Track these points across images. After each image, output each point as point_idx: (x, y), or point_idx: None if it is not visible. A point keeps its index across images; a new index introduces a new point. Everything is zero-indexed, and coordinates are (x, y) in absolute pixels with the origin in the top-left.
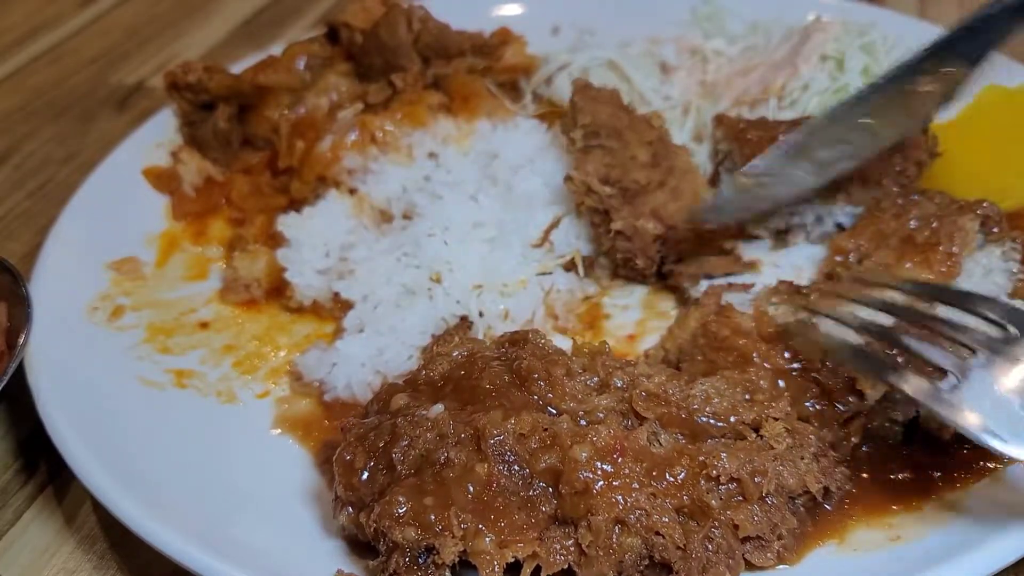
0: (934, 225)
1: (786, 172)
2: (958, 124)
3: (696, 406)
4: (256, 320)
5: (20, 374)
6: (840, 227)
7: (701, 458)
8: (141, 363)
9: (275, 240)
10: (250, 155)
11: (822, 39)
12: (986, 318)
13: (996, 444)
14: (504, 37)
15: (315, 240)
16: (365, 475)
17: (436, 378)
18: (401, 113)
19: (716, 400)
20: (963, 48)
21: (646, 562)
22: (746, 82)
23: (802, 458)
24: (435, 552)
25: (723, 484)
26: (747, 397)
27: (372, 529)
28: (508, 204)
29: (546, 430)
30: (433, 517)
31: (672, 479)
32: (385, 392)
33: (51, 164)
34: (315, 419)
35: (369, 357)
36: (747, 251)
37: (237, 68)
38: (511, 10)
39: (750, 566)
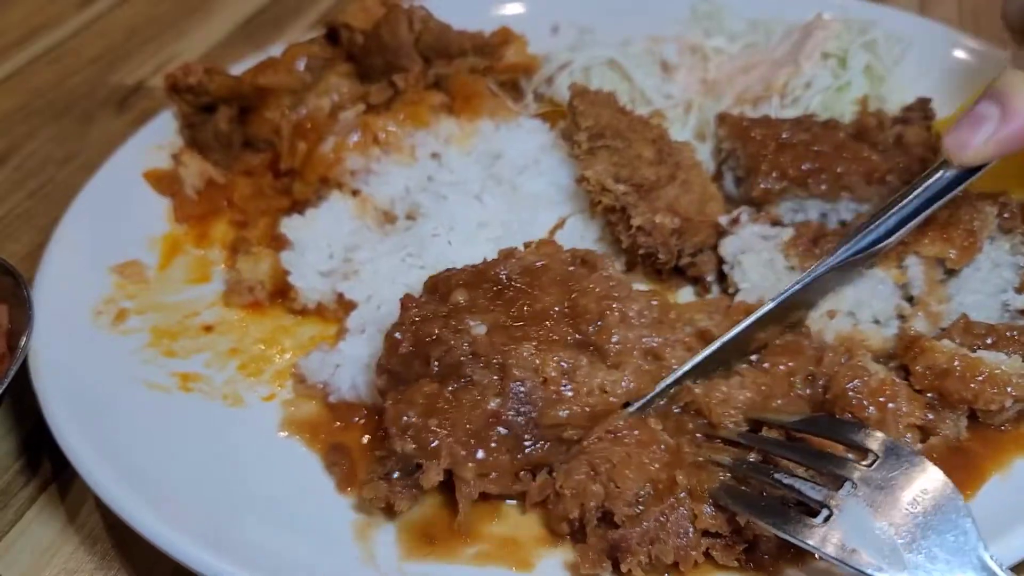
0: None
1: None
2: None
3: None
4: (260, 323)
5: (21, 375)
6: (843, 224)
7: (688, 448)
8: (146, 366)
9: (278, 242)
10: (251, 157)
11: (823, 36)
12: (852, 444)
13: (876, 572)
14: (505, 37)
15: (319, 242)
16: (405, 353)
17: (502, 278)
18: (404, 113)
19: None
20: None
21: (601, 513)
22: (747, 80)
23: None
24: (422, 471)
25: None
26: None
27: (384, 424)
28: (513, 204)
29: (567, 375)
30: (431, 439)
31: (656, 452)
32: (451, 278)
33: (51, 164)
34: (322, 421)
35: (371, 357)
36: None
37: (237, 68)
38: (511, 9)
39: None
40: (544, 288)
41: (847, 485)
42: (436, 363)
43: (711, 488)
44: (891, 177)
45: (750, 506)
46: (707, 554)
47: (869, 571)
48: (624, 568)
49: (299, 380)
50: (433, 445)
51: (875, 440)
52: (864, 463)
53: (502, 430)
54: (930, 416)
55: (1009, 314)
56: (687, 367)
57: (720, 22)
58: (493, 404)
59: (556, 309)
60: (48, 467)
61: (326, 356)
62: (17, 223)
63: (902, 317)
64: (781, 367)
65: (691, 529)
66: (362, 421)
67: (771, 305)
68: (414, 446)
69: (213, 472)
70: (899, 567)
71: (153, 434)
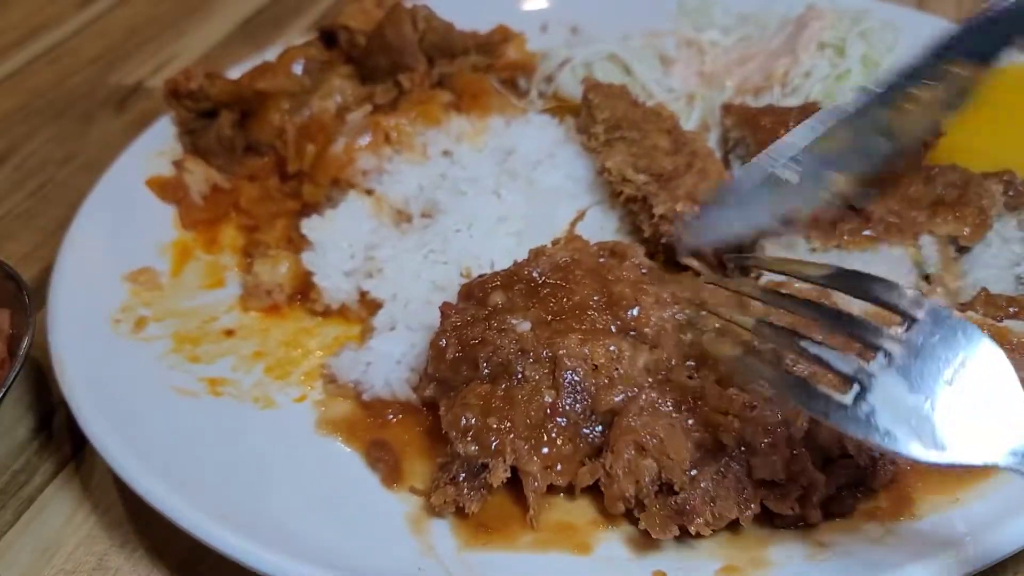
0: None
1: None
2: None
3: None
4: (280, 326)
5: (20, 376)
6: (852, 207)
7: (732, 389)
8: (173, 372)
9: (294, 244)
10: (254, 161)
11: (819, 27)
12: (886, 304)
13: (911, 451)
14: (504, 34)
15: (339, 242)
16: (452, 359)
17: (536, 277)
18: (414, 112)
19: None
20: (970, 47)
21: (658, 485)
22: (744, 72)
23: None
24: (488, 470)
25: (749, 427)
26: None
27: (444, 430)
28: (531, 198)
29: (615, 360)
30: (492, 439)
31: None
32: (486, 283)
33: (50, 164)
34: (357, 419)
35: (403, 354)
36: None
37: (237, 69)
38: (506, 8)
39: (773, 515)
40: (578, 281)
41: (880, 355)
42: (485, 364)
43: (728, 367)
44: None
45: (773, 381)
46: (762, 505)
47: (903, 452)
48: (693, 530)
49: (330, 380)
50: (495, 444)
51: (914, 302)
52: (901, 329)
53: (560, 420)
54: None
55: None
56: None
57: (709, 16)
58: (548, 397)
59: (594, 299)
60: (46, 468)
61: (356, 355)
62: (17, 223)
63: (921, 294)
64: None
65: (747, 482)
66: (399, 417)
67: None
68: (476, 447)
69: (261, 475)
70: (937, 448)
71: (193, 439)
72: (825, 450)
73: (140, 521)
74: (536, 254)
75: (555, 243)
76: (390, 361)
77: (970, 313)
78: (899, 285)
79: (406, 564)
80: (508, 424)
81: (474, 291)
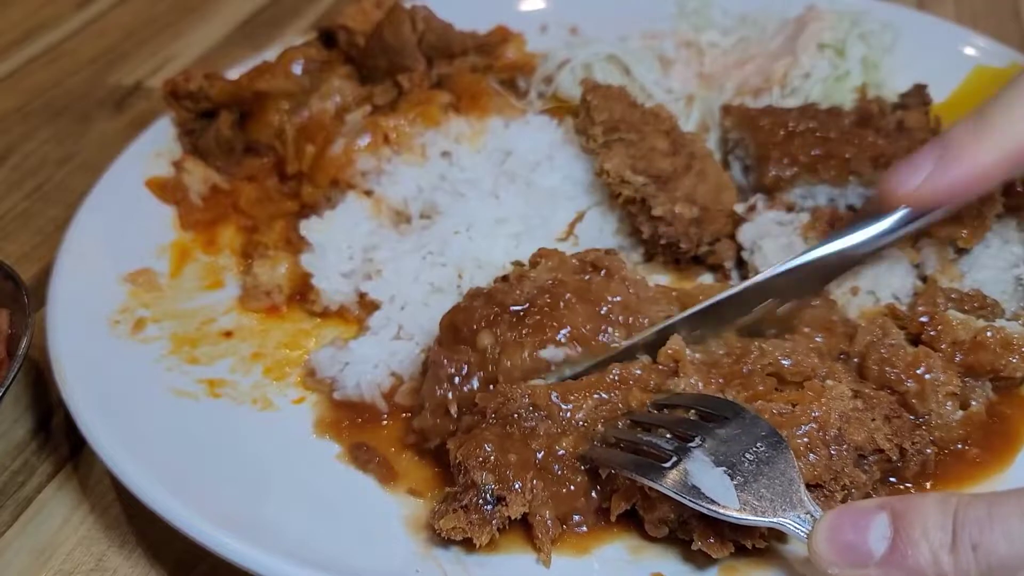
0: None
1: None
2: (953, 106)
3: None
4: (279, 327)
5: (19, 377)
6: (851, 208)
7: (758, 402)
8: (171, 373)
9: (292, 245)
10: (253, 161)
11: (818, 28)
12: (711, 412)
13: (713, 508)
14: (503, 35)
15: (338, 243)
16: (454, 411)
17: (521, 300)
18: (414, 113)
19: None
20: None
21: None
22: (743, 73)
23: (872, 419)
24: (504, 504)
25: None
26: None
27: (456, 461)
28: (530, 200)
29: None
30: (511, 474)
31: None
32: (471, 319)
33: (48, 165)
34: (339, 419)
35: (380, 359)
36: None
37: (235, 70)
38: (505, 9)
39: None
40: (569, 307)
41: (697, 439)
42: (493, 415)
43: (583, 450)
44: (897, 161)
45: (612, 460)
46: None
47: (704, 504)
48: (750, 544)
49: (309, 373)
50: (517, 477)
51: (729, 408)
52: (713, 424)
53: (579, 464)
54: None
55: (1023, 288)
56: (654, 329)
57: (708, 18)
58: (567, 444)
59: (587, 328)
60: (44, 468)
61: (337, 353)
62: (15, 223)
63: (918, 295)
64: (811, 344)
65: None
66: (365, 417)
67: (760, 278)
68: (495, 480)
69: (259, 477)
70: (732, 503)
71: (192, 440)
72: (859, 448)
73: (138, 522)
74: (518, 277)
75: (532, 259)
76: (367, 364)
77: (953, 311)
78: (725, 401)
79: (403, 566)
80: (529, 463)
81: (457, 325)
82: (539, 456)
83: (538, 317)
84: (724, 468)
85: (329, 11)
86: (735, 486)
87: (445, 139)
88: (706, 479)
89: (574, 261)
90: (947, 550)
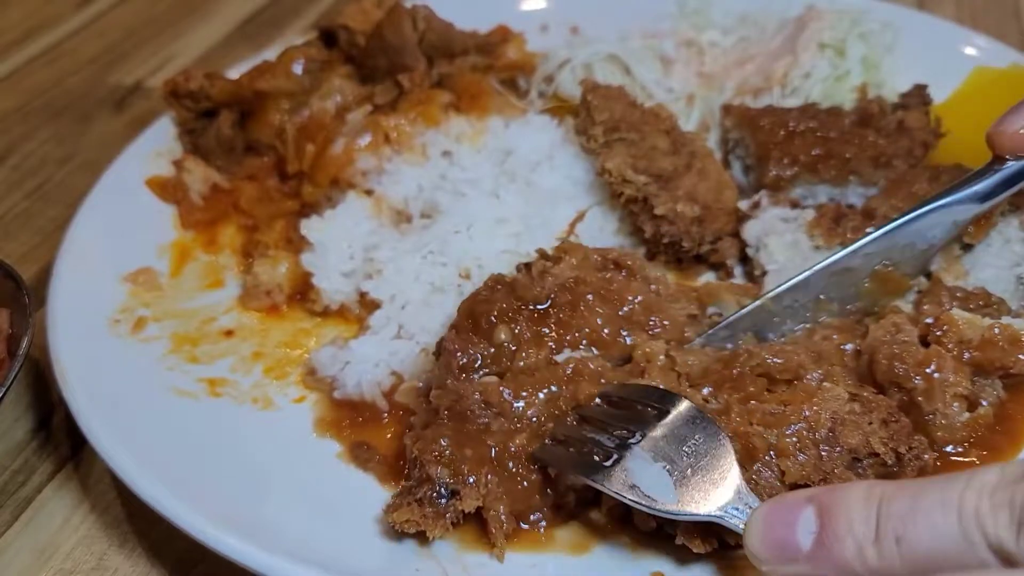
0: None
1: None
2: (953, 106)
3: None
4: (279, 326)
5: (19, 376)
6: (851, 207)
7: (751, 403)
8: (172, 372)
9: (293, 244)
10: (254, 161)
11: (818, 28)
12: (650, 404)
13: (651, 504)
14: (504, 35)
15: (339, 243)
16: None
17: (542, 297)
18: (414, 112)
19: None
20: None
21: None
22: (743, 73)
23: (869, 422)
24: (458, 497)
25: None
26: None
27: (412, 455)
28: (530, 199)
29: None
30: (466, 468)
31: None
32: (490, 310)
33: (49, 164)
34: (340, 418)
35: (381, 358)
36: None
37: (236, 70)
38: (506, 8)
39: None
40: (589, 306)
41: (636, 436)
42: (446, 412)
43: (534, 449)
44: (897, 161)
45: (557, 460)
46: None
47: (643, 503)
48: (733, 541)
49: (309, 372)
50: (472, 472)
51: (669, 401)
52: (655, 415)
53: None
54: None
55: None
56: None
57: (709, 17)
58: (521, 441)
59: (606, 332)
60: (45, 467)
61: (338, 352)
62: (15, 223)
63: (922, 293)
64: (826, 341)
65: (781, 487)
66: (366, 415)
67: (804, 275)
68: (449, 473)
69: (259, 476)
70: (670, 499)
71: (192, 439)
72: (853, 451)
73: (139, 521)
74: (540, 273)
75: (555, 252)
76: (368, 363)
77: (957, 310)
78: (664, 391)
79: (403, 565)
80: (485, 459)
81: (475, 315)
82: (494, 452)
83: (558, 318)
84: (663, 464)
85: (329, 11)
86: (674, 481)
87: (446, 139)
88: (645, 476)
89: (596, 257)
90: (871, 543)
